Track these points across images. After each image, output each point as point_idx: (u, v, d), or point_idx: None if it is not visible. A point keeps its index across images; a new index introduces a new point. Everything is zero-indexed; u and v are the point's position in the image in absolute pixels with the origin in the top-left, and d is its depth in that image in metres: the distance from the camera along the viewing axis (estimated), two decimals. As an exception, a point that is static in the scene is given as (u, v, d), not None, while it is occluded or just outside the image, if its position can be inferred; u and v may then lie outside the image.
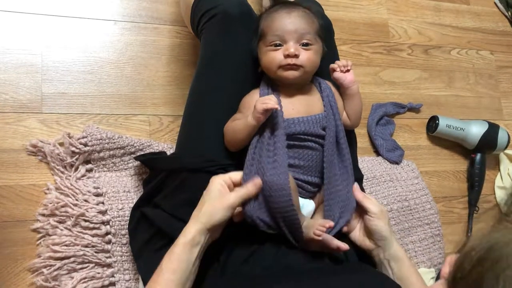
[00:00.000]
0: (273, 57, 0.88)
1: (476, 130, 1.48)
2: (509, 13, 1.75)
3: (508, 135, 1.51)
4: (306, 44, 0.88)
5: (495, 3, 1.76)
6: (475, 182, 1.50)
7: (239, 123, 0.89)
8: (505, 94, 1.68)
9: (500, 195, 1.56)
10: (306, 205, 0.89)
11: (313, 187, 0.90)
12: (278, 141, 0.84)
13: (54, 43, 1.19)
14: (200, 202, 0.81)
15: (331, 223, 0.82)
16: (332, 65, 0.95)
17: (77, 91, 1.18)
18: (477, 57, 1.67)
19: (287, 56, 0.86)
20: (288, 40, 0.87)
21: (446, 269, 0.51)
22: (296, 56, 0.86)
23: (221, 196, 0.80)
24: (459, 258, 0.42)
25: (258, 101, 0.84)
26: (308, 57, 0.88)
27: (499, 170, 1.59)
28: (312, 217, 0.90)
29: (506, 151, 1.55)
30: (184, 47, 1.30)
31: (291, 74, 0.88)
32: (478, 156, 1.50)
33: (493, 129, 1.49)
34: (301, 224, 0.83)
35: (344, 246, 0.83)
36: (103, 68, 1.21)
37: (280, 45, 0.87)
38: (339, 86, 0.96)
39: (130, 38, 1.25)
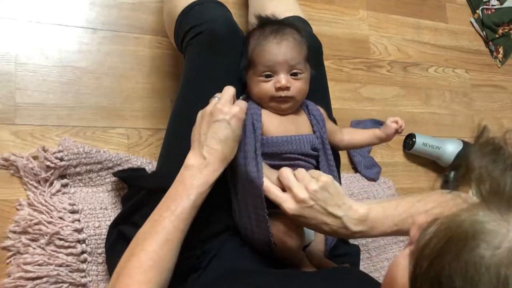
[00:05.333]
0: (265, 89, 0.87)
1: (451, 149, 1.51)
2: (484, 33, 1.80)
3: (481, 154, 1.54)
4: (296, 74, 0.87)
5: (471, 22, 1.80)
6: (448, 199, 1.53)
7: None
8: (478, 112, 1.72)
9: (471, 212, 1.60)
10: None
11: None
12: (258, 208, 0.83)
13: (30, 50, 1.14)
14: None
15: None
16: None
17: (53, 102, 1.13)
18: (453, 75, 1.70)
19: (278, 89, 0.86)
20: (279, 71, 0.86)
21: (413, 233, 0.47)
22: (287, 88, 0.86)
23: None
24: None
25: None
26: (299, 87, 0.88)
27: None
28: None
29: (478, 169, 1.59)
30: (165, 58, 1.27)
31: (283, 106, 0.88)
32: (452, 174, 1.53)
33: (467, 148, 1.52)
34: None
35: None
36: (81, 78, 1.17)
37: (270, 75, 0.87)
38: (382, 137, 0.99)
39: (110, 47, 1.21)
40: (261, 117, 0.87)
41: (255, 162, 0.80)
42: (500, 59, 1.81)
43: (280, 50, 0.86)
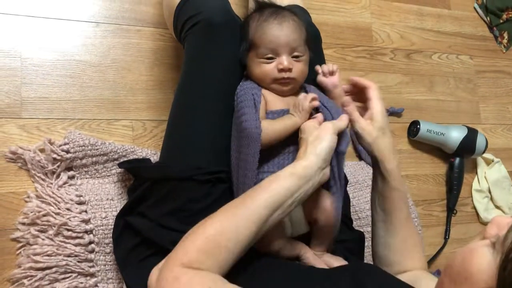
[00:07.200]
0: (267, 70, 0.89)
1: (455, 135, 1.51)
2: (488, 18, 1.78)
3: (486, 140, 1.54)
4: (297, 56, 0.89)
5: (474, 8, 1.79)
6: (453, 185, 1.53)
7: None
8: (483, 99, 1.71)
9: (477, 198, 1.59)
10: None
11: None
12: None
13: (34, 45, 1.15)
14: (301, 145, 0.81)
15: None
16: (316, 67, 0.97)
17: (58, 95, 1.15)
18: (457, 62, 1.69)
19: (281, 70, 0.87)
20: (281, 53, 0.87)
21: (492, 231, 0.53)
22: (289, 70, 0.87)
23: (319, 128, 0.81)
24: None
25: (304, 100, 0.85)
26: (300, 69, 0.89)
27: (476, 173, 1.63)
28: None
29: (483, 155, 1.59)
30: (168, 50, 1.28)
31: (285, 88, 0.90)
32: (457, 160, 1.53)
33: (472, 134, 1.52)
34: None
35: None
36: (85, 71, 1.18)
37: (272, 58, 0.88)
38: (324, 89, 0.98)
39: (112, 40, 1.22)
40: (262, 94, 0.89)
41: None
42: (505, 45, 1.80)
43: (282, 31, 0.87)
